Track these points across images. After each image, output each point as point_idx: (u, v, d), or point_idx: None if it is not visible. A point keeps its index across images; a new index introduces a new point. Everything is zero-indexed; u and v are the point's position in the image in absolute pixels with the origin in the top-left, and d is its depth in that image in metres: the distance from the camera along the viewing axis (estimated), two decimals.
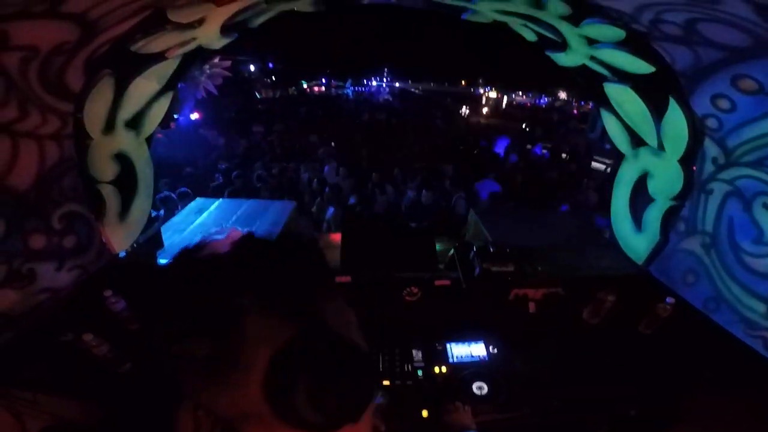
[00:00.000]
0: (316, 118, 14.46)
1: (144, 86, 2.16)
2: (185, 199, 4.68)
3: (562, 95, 26.84)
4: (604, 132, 2.80)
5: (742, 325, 1.88)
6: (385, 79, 33.67)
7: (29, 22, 1.38)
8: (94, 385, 1.68)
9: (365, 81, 33.50)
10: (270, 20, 2.49)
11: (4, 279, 1.70)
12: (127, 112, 2.18)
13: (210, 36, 2.18)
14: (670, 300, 2.09)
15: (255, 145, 9.22)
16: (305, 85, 29.75)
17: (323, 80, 31.99)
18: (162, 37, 1.87)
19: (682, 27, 1.62)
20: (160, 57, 2.04)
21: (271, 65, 23.56)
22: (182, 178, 6.15)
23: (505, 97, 30.87)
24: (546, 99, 29.32)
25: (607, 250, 2.71)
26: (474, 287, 2.20)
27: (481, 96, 31.31)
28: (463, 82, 33.15)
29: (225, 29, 2.18)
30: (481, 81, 32.07)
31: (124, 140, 2.26)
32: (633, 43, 1.96)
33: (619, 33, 1.93)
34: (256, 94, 19.83)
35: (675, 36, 1.72)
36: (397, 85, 32.76)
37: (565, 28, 2.17)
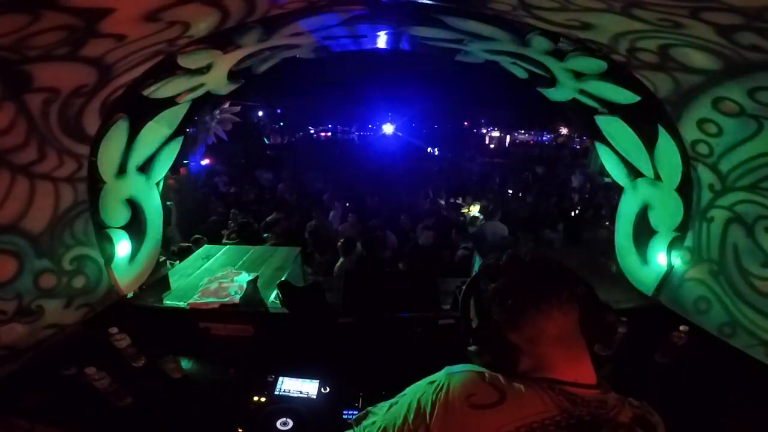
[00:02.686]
0: (323, 164, 14.75)
1: (155, 131, 2.28)
2: (199, 244, 4.77)
3: (564, 131, 27.23)
4: (603, 166, 2.83)
5: (762, 348, 1.83)
6: (389, 122, 34.63)
7: (52, 65, 1.48)
8: (92, 418, 1.67)
9: (370, 125, 34.48)
10: (276, 67, 2.66)
11: (13, 314, 1.74)
12: (139, 156, 2.29)
13: (217, 81, 2.32)
14: (684, 328, 2.04)
15: (264, 192, 9.38)
16: (312, 131, 30.70)
17: (329, 125, 33.00)
18: (172, 82, 2.00)
19: (657, 54, 1.70)
20: (170, 102, 2.17)
21: (279, 111, 24.42)
22: (207, 225, 6.31)
23: (508, 136, 31.41)
24: (548, 136, 29.77)
25: (614, 283, 2.68)
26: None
27: (484, 136, 31.90)
28: (465, 123, 33.90)
29: (232, 75, 2.33)
30: (483, 121, 32.79)
31: (136, 185, 2.35)
32: (615, 74, 2.04)
33: (600, 64, 2.02)
34: (265, 139, 20.44)
35: (652, 63, 1.79)
36: (400, 133, 33.66)
37: (551, 63, 2.27)
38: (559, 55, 2.12)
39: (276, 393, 1.80)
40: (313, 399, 1.79)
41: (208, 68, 2.08)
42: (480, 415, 0.82)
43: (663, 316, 2.29)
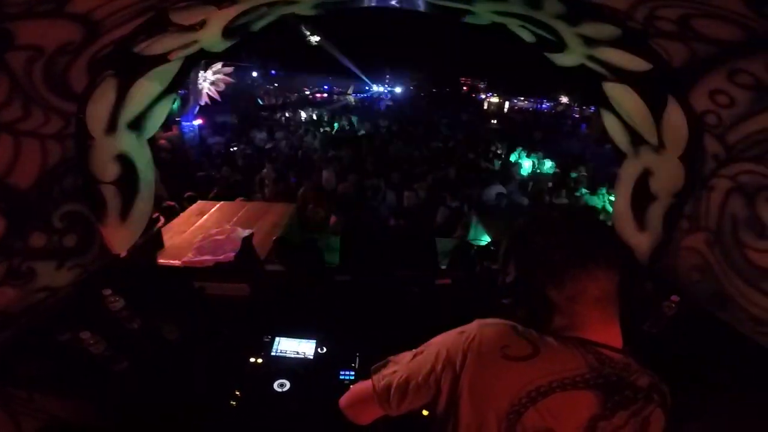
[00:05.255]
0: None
1: (146, 88, 2.17)
2: (192, 202, 4.71)
3: (564, 99, 26.94)
4: (604, 132, 2.80)
5: (750, 322, 1.85)
6: (386, 86, 33.89)
7: (35, 22, 1.40)
8: (90, 384, 1.67)
9: (367, 87, 33.71)
10: (272, 25, 2.52)
11: (3, 277, 1.71)
12: (129, 113, 2.19)
13: (212, 39, 2.20)
14: (675, 298, 2.06)
15: (257, 152, 9.27)
16: (308, 92, 29.96)
17: (325, 87, 32.21)
18: (164, 38, 1.90)
19: (677, 23, 1.63)
20: (162, 59, 2.06)
21: (273, 72, 23.71)
22: (194, 182, 6.20)
23: (507, 102, 30.94)
24: (548, 104, 29.41)
25: None
26: (474, 285, 2.20)
27: (483, 101, 31.39)
28: (465, 88, 33.29)
29: (227, 32, 2.21)
30: (483, 86, 32.24)
31: (126, 141, 2.27)
32: (629, 41, 1.97)
33: (615, 31, 1.95)
34: (259, 100, 19.91)
35: (670, 32, 1.73)
36: (398, 90, 32.93)
37: (562, 27, 2.18)
38: (572, 19, 2.04)
39: (272, 354, 1.82)
40: (309, 359, 1.81)
41: (201, 25, 1.97)
42: (513, 367, 0.83)
43: (656, 285, 2.32)
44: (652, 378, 0.89)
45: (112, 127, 2.13)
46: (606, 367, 0.84)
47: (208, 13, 1.89)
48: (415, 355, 1.00)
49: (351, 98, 30.21)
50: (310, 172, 6.97)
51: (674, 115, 2.09)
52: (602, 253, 0.87)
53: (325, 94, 31.33)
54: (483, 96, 31.84)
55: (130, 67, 1.99)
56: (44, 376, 1.68)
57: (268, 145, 9.99)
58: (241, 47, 2.66)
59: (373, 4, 2.63)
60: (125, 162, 2.30)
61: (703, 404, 1.69)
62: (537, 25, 2.34)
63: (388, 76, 32.67)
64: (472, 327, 0.93)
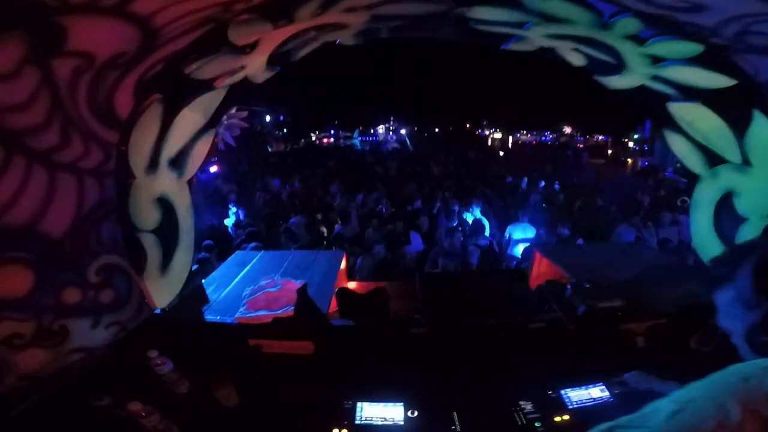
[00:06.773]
0: (330, 170, 14.56)
1: (189, 119, 2.05)
2: (211, 252, 4.52)
3: (567, 130, 27.32)
4: (665, 155, 2.67)
5: None
6: (391, 127, 34.64)
7: (93, 21, 1.24)
8: None
9: (372, 130, 34.46)
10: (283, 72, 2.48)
11: (32, 337, 1.46)
12: (171, 148, 2.05)
13: (257, 65, 2.14)
14: None
15: (273, 200, 9.15)
16: (314, 137, 30.60)
17: (331, 131, 32.94)
18: (214, 61, 1.79)
19: None
20: (208, 85, 1.96)
21: (281, 118, 24.25)
22: (202, 232, 6.02)
23: (510, 137, 31.42)
24: (550, 135, 29.82)
25: (688, 275, 2.52)
26: (579, 326, 1.98)
27: (486, 137, 31.89)
28: (467, 125, 33.97)
29: (272, 58, 2.15)
30: (485, 122, 32.89)
31: (167, 181, 2.10)
32: (709, 58, 1.89)
33: (694, 48, 1.87)
34: (268, 147, 20.14)
35: (761, 46, 1.64)
36: (403, 131, 33.61)
37: (626, 47, 2.10)
38: (640, 39, 1.96)
39: (357, 422, 1.54)
40: (400, 426, 1.53)
41: (252, 47, 1.89)
42: None
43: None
44: None
45: (153, 163, 1.96)
46: None
47: (263, 32, 1.79)
48: (671, 413, 0.77)
49: (356, 142, 30.75)
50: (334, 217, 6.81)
51: (762, 131, 1.96)
52: None
53: (332, 139, 31.99)
54: (487, 132, 32.43)
55: (177, 92, 1.85)
56: None
57: (284, 192, 9.89)
58: (255, 91, 2.63)
59: (416, 32, 2.58)
60: (166, 207, 2.10)
61: None
62: (595, 46, 2.24)
63: (392, 118, 33.45)
64: (755, 370, 0.79)
